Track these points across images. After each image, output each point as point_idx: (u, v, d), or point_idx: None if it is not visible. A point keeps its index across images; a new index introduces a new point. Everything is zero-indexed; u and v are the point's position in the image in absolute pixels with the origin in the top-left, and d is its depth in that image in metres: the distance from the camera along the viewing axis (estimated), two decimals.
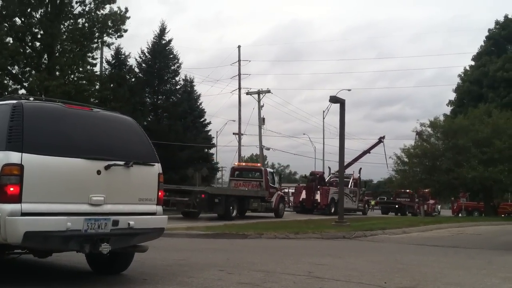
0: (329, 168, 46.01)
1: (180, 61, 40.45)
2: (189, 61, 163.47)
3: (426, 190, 45.52)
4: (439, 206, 56.59)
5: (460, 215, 45.61)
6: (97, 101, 29.93)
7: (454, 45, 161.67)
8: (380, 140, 52.06)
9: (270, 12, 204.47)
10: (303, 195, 37.72)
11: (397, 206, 48.18)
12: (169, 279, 7.38)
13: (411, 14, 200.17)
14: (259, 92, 50.36)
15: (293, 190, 43.39)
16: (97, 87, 32.24)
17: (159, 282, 7.07)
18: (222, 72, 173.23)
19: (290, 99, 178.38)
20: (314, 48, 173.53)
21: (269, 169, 32.27)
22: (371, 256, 11.44)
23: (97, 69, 34.31)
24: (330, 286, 7.36)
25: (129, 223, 6.57)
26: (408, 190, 47.31)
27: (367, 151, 51.99)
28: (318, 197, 36.43)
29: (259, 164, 35.67)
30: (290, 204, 41.81)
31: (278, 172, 38.25)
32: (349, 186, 39.54)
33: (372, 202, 53.66)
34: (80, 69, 30.83)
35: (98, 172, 6.42)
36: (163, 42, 39.80)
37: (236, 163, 34.43)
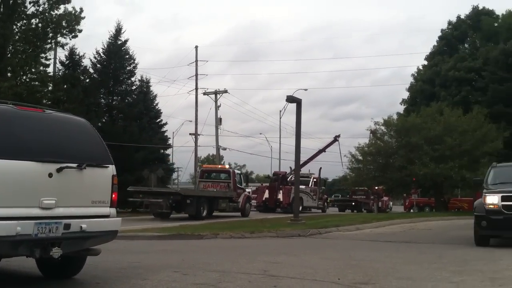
0: (290, 168, 46.64)
1: (136, 62, 39.98)
2: (146, 61, 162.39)
3: (380, 188, 46.92)
4: (391, 203, 58.22)
5: (412, 211, 46.61)
6: (50, 102, 29.36)
7: (409, 45, 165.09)
8: (336, 139, 52.86)
9: (228, 13, 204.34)
10: (266, 194, 38.79)
11: (353, 203, 50.19)
12: (122, 282, 7.32)
13: (367, 16, 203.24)
14: (216, 93, 50.31)
15: (254, 189, 43.85)
16: (50, 88, 31.61)
17: (112, 285, 7.02)
18: (180, 72, 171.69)
19: (248, 99, 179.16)
20: (272, 48, 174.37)
21: (236, 171, 34.11)
22: (326, 253, 11.59)
23: (50, 70, 33.69)
24: (285, 284, 7.43)
25: (81, 226, 6.47)
26: (363, 188, 48.90)
27: (323, 150, 52.77)
28: (280, 196, 37.80)
29: (227, 166, 37.40)
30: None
31: (245, 174, 39.98)
32: (309, 185, 41.88)
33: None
34: (33, 70, 30.19)
35: (50, 175, 6.32)
36: (119, 42, 39.20)
37: (205, 165, 36.57)
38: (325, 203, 45.61)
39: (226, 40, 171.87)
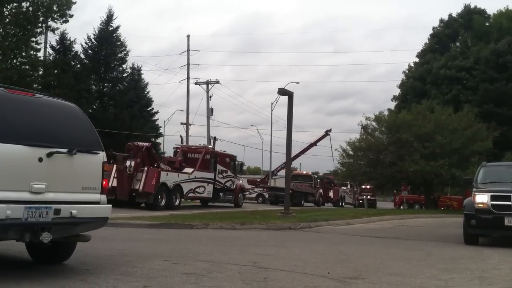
0: (329, 172, 58.22)
1: (127, 49, 39.82)
2: (147, 50, 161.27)
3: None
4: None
5: (401, 207, 46.83)
6: (40, 87, 29.15)
7: (409, 42, 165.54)
8: (327, 133, 53.33)
9: (232, 3, 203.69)
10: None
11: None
12: (112, 269, 7.27)
13: (370, 10, 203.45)
14: (207, 83, 50.09)
15: None
16: (40, 72, 31.39)
17: (102, 272, 6.96)
18: (179, 62, 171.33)
19: (246, 90, 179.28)
20: (273, 40, 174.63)
21: (314, 175, 48.29)
22: (315, 247, 11.57)
23: (41, 54, 33.41)
24: (274, 276, 7.39)
25: (71, 212, 6.42)
26: (369, 186, 53.02)
27: (314, 143, 53.41)
28: (331, 194, 50.59)
29: (310, 172, 51.07)
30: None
31: (319, 177, 51.42)
32: (347, 187, 55.63)
33: None
34: (23, 53, 29.93)
35: (40, 160, 6.25)
36: (110, 29, 38.97)
37: (294, 171, 50.98)
38: (356, 201, 55.32)
39: (228, 31, 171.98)
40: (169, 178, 24.70)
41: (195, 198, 28.90)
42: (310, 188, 45.00)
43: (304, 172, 51.14)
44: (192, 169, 27.04)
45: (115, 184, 22.64)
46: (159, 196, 23.79)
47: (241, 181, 34.67)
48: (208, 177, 28.51)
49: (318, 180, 48.90)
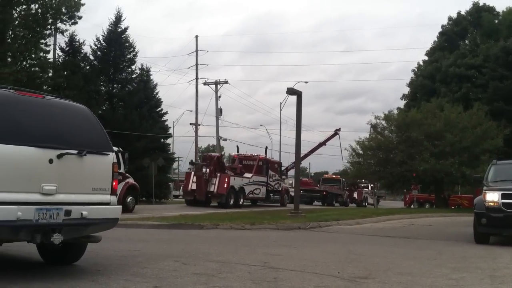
0: (338, 172, 60.36)
1: (136, 50, 39.86)
2: (159, 50, 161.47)
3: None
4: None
5: (412, 206, 46.63)
6: (50, 88, 29.28)
7: (421, 40, 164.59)
8: (336, 132, 53.34)
9: (244, 2, 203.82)
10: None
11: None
12: (123, 269, 7.30)
13: (381, 9, 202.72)
14: (216, 83, 50.18)
15: None
16: (50, 74, 31.53)
17: (112, 273, 6.98)
18: (188, 62, 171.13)
19: (256, 90, 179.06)
20: (285, 40, 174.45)
21: (342, 178, 51.81)
22: (326, 247, 11.56)
23: (50, 56, 33.60)
24: (285, 276, 7.39)
25: (82, 213, 6.45)
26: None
27: (323, 143, 53.45)
28: (355, 195, 53.66)
29: (339, 176, 54.91)
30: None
31: (346, 180, 53.12)
32: (368, 189, 58.61)
33: None
34: (33, 55, 30.08)
35: (50, 161, 6.27)
36: (119, 30, 39.06)
37: (325, 175, 57.18)
38: (376, 201, 57.27)
39: (239, 31, 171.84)
40: (235, 182, 29.99)
41: (254, 199, 33.68)
42: (339, 190, 50.06)
43: (334, 176, 56.51)
44: (251, 174, 32.21)
45: (194, 187, 28.92)
46: (229, 197, 28.79)
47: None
48: (262, 181, 33.59)
49: (346, 183, 51.98)
